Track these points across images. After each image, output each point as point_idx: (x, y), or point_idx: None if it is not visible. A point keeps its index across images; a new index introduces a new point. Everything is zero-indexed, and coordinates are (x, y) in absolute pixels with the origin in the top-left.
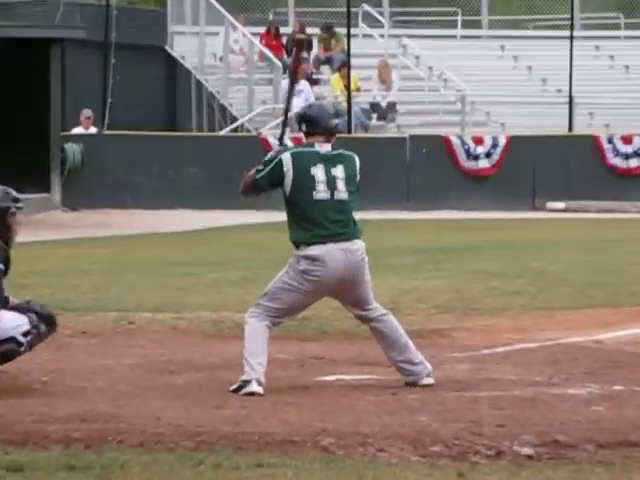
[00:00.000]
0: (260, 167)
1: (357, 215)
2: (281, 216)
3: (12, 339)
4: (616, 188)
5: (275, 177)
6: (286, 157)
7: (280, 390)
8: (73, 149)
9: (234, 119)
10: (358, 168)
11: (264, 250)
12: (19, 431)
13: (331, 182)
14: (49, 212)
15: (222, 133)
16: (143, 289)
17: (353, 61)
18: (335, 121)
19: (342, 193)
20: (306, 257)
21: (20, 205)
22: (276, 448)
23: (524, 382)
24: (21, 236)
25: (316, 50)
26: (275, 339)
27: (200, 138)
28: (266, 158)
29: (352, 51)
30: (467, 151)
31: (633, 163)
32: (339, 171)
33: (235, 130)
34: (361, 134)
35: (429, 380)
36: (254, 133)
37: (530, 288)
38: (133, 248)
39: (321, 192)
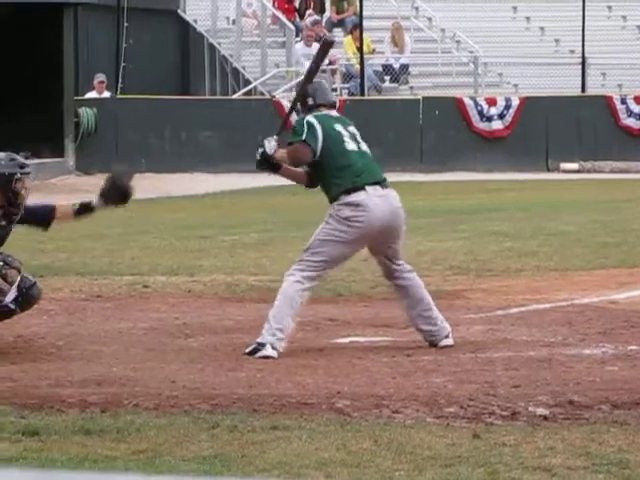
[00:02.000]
0: (292, 138)
1: None
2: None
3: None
4: (629, 148)
5: (314, 133)
6: (310, 118)
7: (295, 353)
8: (87, 113)
9: (247, 82)
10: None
11: (279, 213)
12: (35, 395)
13: (353, 136)
14: (63, 176)
15: (235, 96)
16: (158, 253)
17: (365, 23)
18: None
19: (364, 146)
20: (349, 204)
21: (27, 171)
22: (291, 410)
23: (539, 343)
24: (35, 200)
25: (329, 12)
26: None
27: (213, 101)
28: (295, 131)
29: (364, 13)
30: (480, 112)
31: None
32: (354, 129)
33: (248, 93)
34: (374, 96)
35: (448, 341)
36: (267, 96)
37: (544, 249)
38: (147, 212)
39: (350, 144)
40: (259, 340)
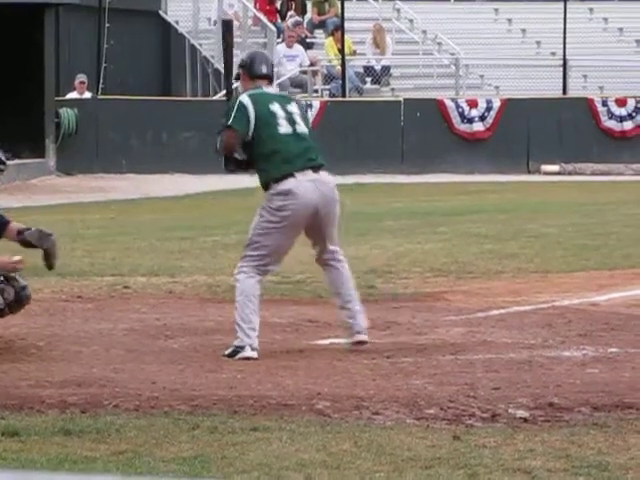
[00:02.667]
0: (224, 120)
1: (352, 178)
2: None
3: None
4: (610, 150)
5: (244, 116)
6: (244, 98)
7: (275, 354)
8: (68, 114)
9: None
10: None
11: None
12: (15, 396)
13: (290, 117)
14: (44, 177)
15: (216, 98)
16: (138, 253)
17: (347, 25)
18: (273, 68)
19: (302, 127)
20: (278, 193)
21: (2, 168)
22: (271, 412)
23: (519, 345)
24: (16, 201)
25: (310, 14)
26: (270, 302)
27: (194, 102)
28: (226, 111)
29: (346, 15)
30: (461, 114)
31: (627, 125)
32: (294, 107)
33: None
34: (355, 98)
35: (361, 337)
36: None
37: (525, 251)
38: (128, 213)
39: (283, 126)
40: (236, 343)
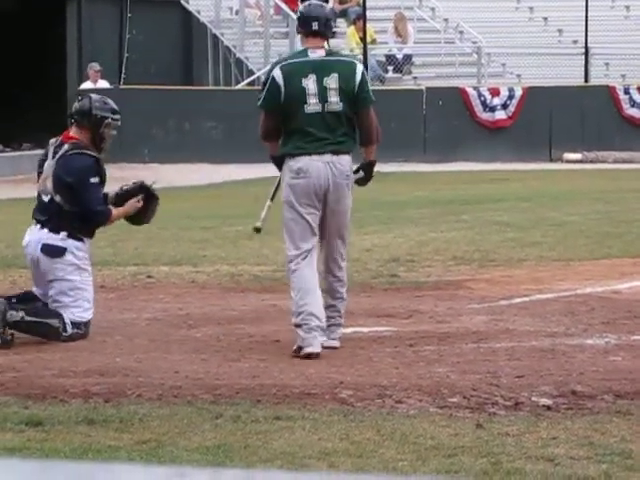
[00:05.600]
0: (259, 96)
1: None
2: None
3: (61, 319)
4: (632, 138)
5: (274, 95)
6: (277, 73)
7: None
8: None
9: (250, 73)
10: (359, 76)
11: (281, 203)
12: (38, 385)
13: (323, 92)
14: None
15: (238, 87)
16: (161, 243)
17: (369, 14)
18: (332, 22)
19: (334, 104)
20: (290, 170)
21: (117, 117)
22: (294, 401)
23: (542, 333)
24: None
25: (332, 3)
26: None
27: (216, 92)
28: (262, 83)
29: (368, 4)
30: (483, 103)
31: None
32: (332, 81)
33: (251, 84)
34: (377, 86)
35: (332, 343)
36: None
37: (547, 239)
38: None
39: (311, 105)
40: (299, 344)
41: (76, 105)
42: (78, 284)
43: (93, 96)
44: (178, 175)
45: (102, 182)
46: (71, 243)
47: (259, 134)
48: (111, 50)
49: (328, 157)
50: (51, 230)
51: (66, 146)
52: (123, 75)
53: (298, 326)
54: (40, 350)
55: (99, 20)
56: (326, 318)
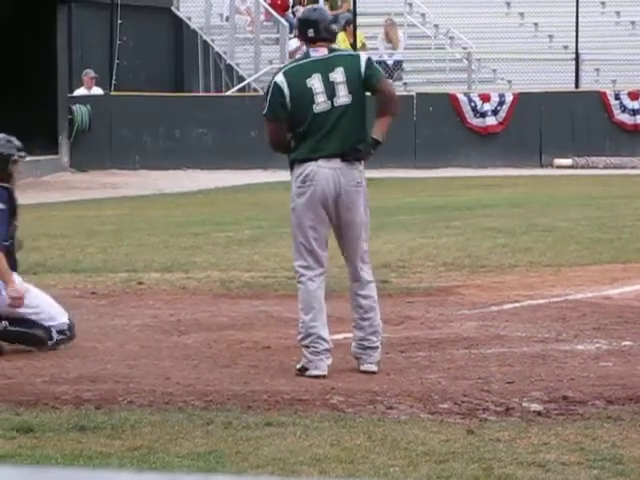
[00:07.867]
0: (264, 105)
1: (365, 173)
2: (289, 175)
3: (47, 330)
4: (623, 144)
5: (279, 101)
6: (279, 78)
7: (289, 349)
8: (81, 110)
9: (241, 79)
10: (364, 62)
11: (272, 209)
12: (29, 392)
13: (330, 88)
14: (57, 174)
15: (229, 93)
16: (152, 249)
17: (359, 20)
18: (334, 26)
19: (342, 98)
20: (297, 177)
21: (22, 154)
22: (285, 407)
23: (533, 339)
24: (30, 198)
25: None
26: (283, 297)
27: (207, 98)
28: (265, 92)
29: (358, 10)
30: (474, 108)
31: None
32: (338, 75)
33: (242, 90)
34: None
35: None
36: (261, 93)
37: (538, 245)
38: (141, 209)
39: (320, 103)
40: (302, 364)
41: None
42: (30, 306)
43: None
44: (168, 181)
45: (12, 213)
46: None
47: (269, 146)
48: (102, 56)
49: (337, 163)
50: None
51: None
52: (114, 82)
53: (305, 347)
54: (31, 357)
55: (89, 26)
56: (361, 339)
